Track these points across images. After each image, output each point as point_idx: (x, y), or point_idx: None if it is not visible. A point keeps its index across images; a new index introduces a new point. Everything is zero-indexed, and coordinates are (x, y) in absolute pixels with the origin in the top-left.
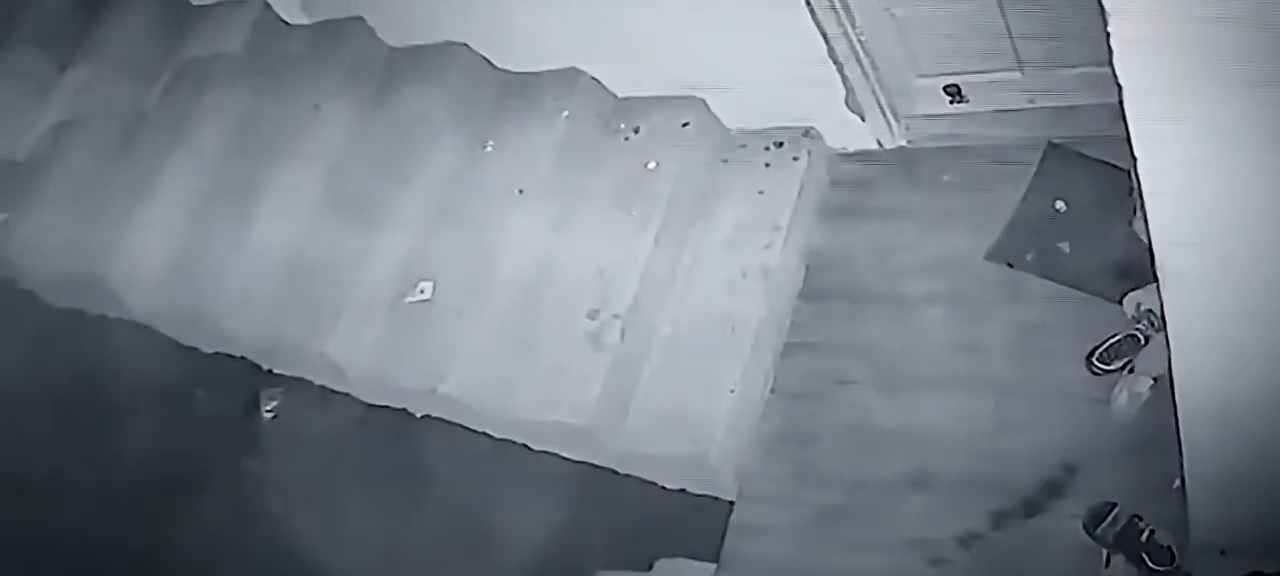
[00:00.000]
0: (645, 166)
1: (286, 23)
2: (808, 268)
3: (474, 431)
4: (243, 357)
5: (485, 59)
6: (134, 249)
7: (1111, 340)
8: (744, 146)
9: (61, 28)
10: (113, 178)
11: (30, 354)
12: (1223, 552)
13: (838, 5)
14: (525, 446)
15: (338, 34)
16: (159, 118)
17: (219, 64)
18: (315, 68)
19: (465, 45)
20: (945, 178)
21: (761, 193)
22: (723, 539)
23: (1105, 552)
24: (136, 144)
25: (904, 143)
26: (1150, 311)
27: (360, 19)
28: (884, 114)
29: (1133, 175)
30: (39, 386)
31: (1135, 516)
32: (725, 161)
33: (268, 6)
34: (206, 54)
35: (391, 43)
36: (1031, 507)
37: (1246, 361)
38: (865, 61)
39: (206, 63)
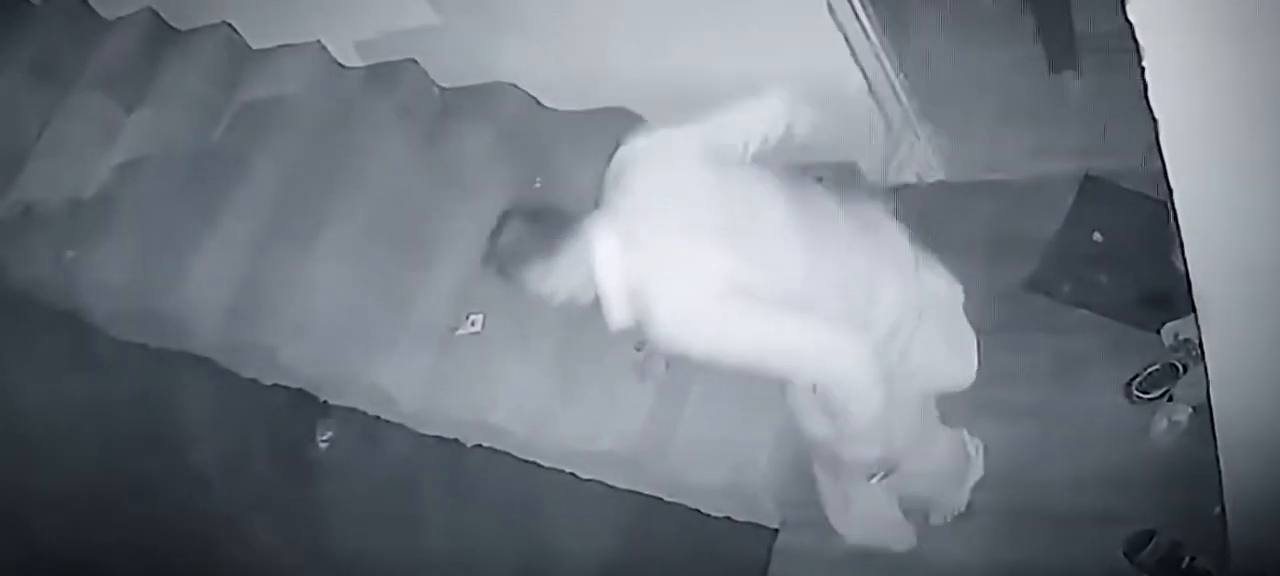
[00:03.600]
0: None
1: (342, 65)
2: None
3: (523, 460)
4: (299, 389)
5: (534, 99)
6: (195, 284)
7: (1150, 369)
8: None
9: (127, 71)
10: (175, 215)
11: (96, 386)
12: None
13: (877, 45)
14: (573, 475)
15: (392, 76)
16: (220, 157)
17: (278, 105)
18: (370, 108)
19: (514, 86)
20: (983, 210)
21: None
22: (767, 565)
23: None
24: (198, 182)
25: (943, 176)
26: (1188, 340)
27: (413, 61)
28: (924, 149)
29: (1170, 207)
30: (104, 417)
31: (1176, 543)
32: None
33: (324, 49)
34: (266, 95)
35: (443, 83)
36: (1072, 534)
37: None
38: (904, 99)
39: (266, 104)
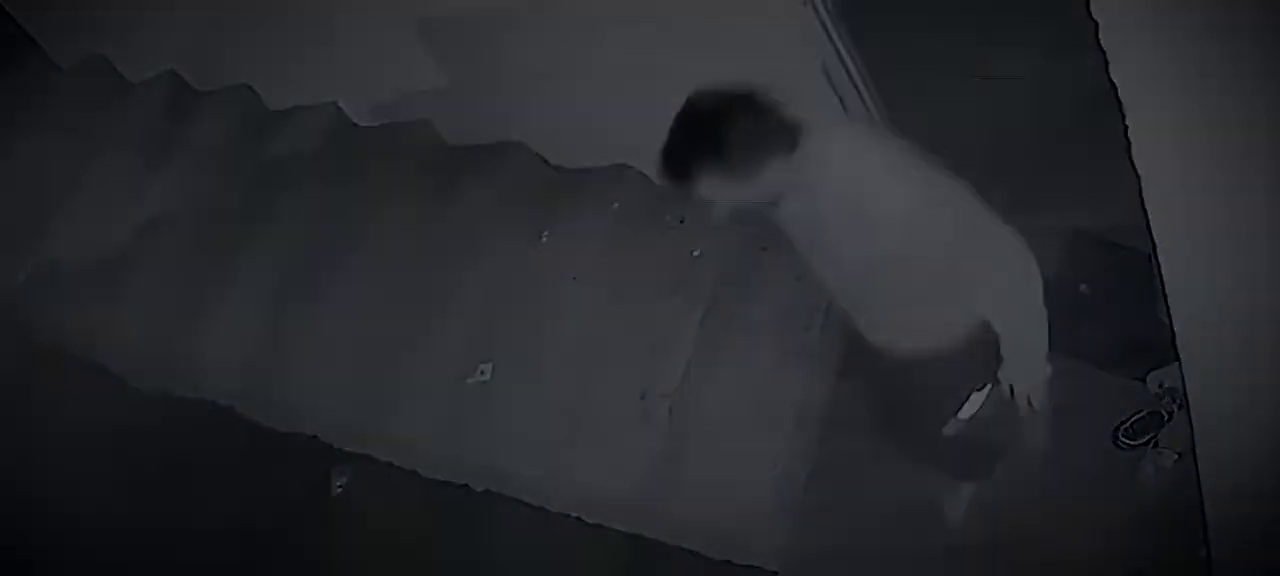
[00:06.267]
0: (691, 254)
1: (357, 125)
2: (846, 348)
3: (530, 505)
4: (314, 437)
5: (540, 157)
6: (215, 336)
7: (1136, 417)
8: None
9: (152, 131)
10: (197, 270)
11: (118, 435)
12: None
13: (869, 104)
14: (578, 519)
15: (404, 135)
16: (240, 214)
17: (295, 164)
18: (383, 166)
19: (522, 144)
20: None
21: (800, 277)
22: None
23: None
24: (219, 238)
25: None
26: (1173, 389)
27: (426, 121)
28: None
29: (1154, 260)
30: (125, 465)
31: None
32: (765, 249)
33: (340, 110)
34: (284, 154)
35: (453, 142)
36: None
37: (1267, 435)
38: None
39: (284, 163)
